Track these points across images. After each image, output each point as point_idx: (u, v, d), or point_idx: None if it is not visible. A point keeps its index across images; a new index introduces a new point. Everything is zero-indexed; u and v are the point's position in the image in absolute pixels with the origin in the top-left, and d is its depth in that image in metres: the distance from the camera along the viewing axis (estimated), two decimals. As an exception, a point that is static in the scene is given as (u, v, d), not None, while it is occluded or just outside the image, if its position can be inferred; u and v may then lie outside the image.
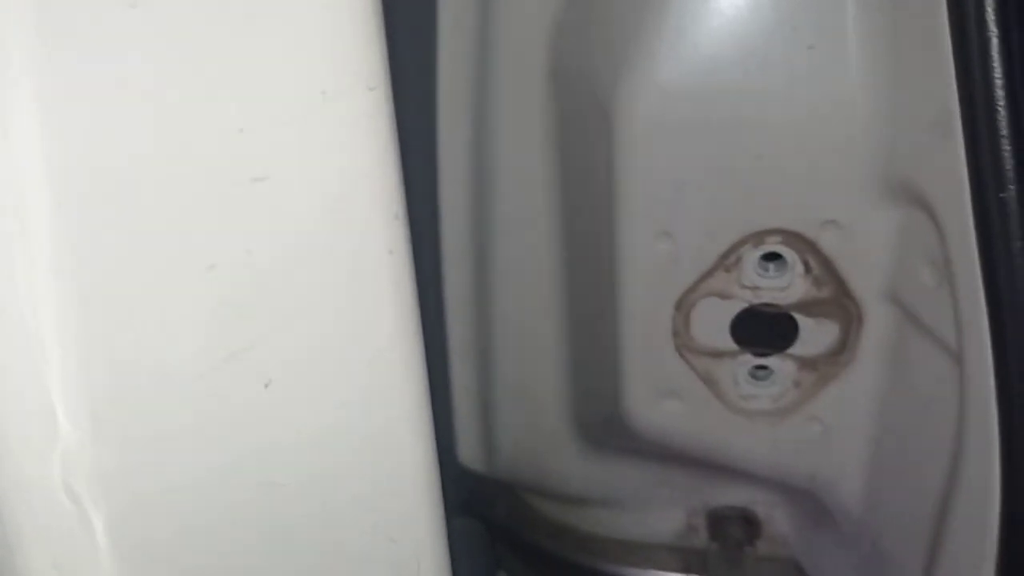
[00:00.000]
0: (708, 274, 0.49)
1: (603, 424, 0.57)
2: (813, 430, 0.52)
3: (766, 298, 0.49)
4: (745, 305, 0.49)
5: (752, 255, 0.48)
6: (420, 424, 0.32)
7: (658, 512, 0.61)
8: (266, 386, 0.29)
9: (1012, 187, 0.37)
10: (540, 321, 0.58)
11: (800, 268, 0.48)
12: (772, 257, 0.49)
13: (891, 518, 0.52)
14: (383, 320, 0.30)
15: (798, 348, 0.50)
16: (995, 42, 0.36)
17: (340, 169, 0.28)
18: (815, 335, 0.49)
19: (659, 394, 0.53)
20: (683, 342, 0.51)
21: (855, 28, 0.43)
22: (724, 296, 0.49)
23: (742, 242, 0.48)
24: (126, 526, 0.29)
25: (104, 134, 0.26)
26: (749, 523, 0.58)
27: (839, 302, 0.49)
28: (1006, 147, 0.37)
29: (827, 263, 0.48)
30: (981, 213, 0.39)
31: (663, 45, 0.46)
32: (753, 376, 0.52)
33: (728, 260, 0.49)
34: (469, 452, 0.63)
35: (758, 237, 0.48)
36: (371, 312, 0.30)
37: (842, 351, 0.50)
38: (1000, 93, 0.36)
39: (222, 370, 0.29)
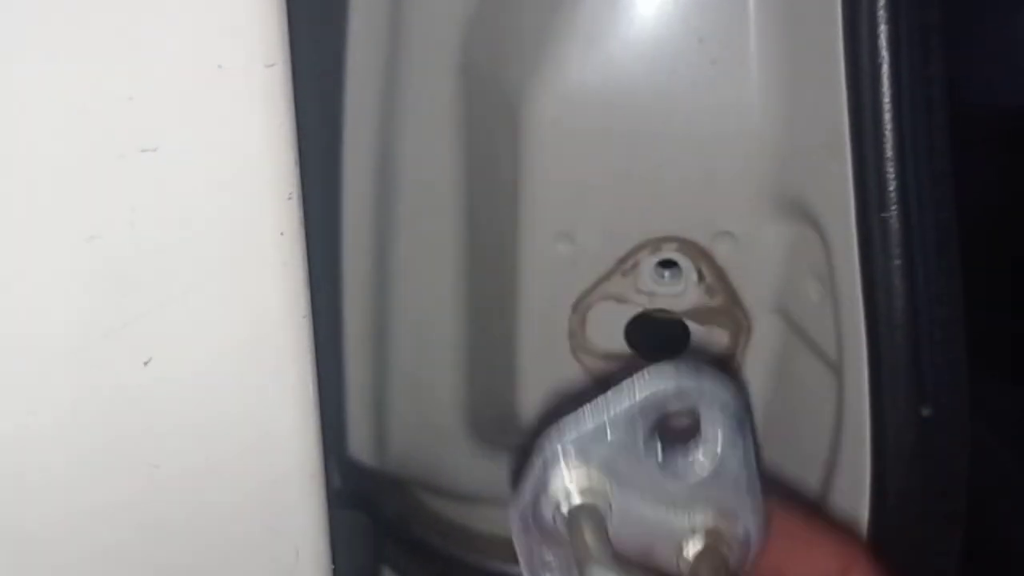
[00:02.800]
0: (605, 277, 0.50)
1: (496, 422, 0.58)
2: (700, 435, 0.53)
3: (661, 304, 0.50)
4: (640, 310, 0.50)
5: (649, 261, 0.49)
6: (304, 411, 0.32)
7: (546, 512, 0.61)
8: (146, 364, 0.28)
9: (894, 208, 0.39)
10: (438, 317, 0.58)
11: (694, 276, 0.49)
12: (668, 264, 0.50)
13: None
14: (271, 303, 0.29)
15: (689, 355, 0.51)
16: (886, 68, 0.38)
17: (233, 145, 0.27)
18: (706, 343, 0.50)
19: (552, 395, 0.53)
20: (578, 344, 0.51)
21: (756, 47, 0.44)
22: (620, 300, 0.50)
23: (640, 248, 0.49)
24: (5, 505, 0.28)
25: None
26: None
27: (730, 311, 0.50)
28: (890, 170, 0.39)
29: (720, 272, 0.49)
30: (864, 232, 0.40)
31: (572, 51, 0.46)
32: (645, 381, 0.52)
33: (626, 265, 0.49)
34: (360, 445, 0.62)
35: (655, 244, 0.49)
36: (258, 294, 0.29)
37: (731, 359, 0.51)
38: (888, 117, 0.38)
39: (100, 345, 0.28)
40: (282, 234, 0.29)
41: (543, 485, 0.33)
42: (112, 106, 0.25)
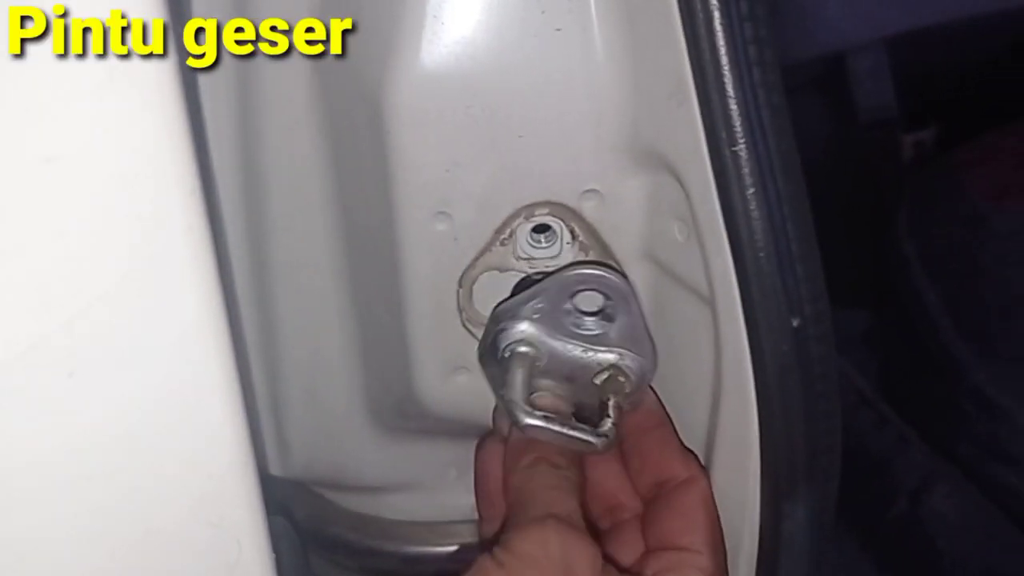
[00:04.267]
0: (486, 249, 0.52)
1: (396, 408, 0.59)
2: (592, 387, 0.56)
3: (540, 267, 0.53)
4: (522, 276, 0.53)
5: (524, 228, 0.52)
6: (232, 401, 0.32)
7: (455, 489, 0.63)
8: (71, 375, 0.28)
9: (742, 141, 0.42)
10: (324, 315, 0.58)
11: (568, 236, 0.52)
12: (542, 229, 0.52)
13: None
14: (187, 298, 0.30)
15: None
16: (716, 15, 0.41)
17: (132, 146, 0.27)
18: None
19: (448, 369, 0.55)
20: (468, 316, 0.53)
21: (596, 11, 0.47)
22: (502, 269, 0.52)
23: (514, 216, 0.51)
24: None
25: None
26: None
27: (604, 265, 0.53)
28: (733, 107, 0.42)
29: (591, 229, 0.52)
30: (717, 168, 0.44)
31: (424, 34, 0.48)
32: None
33: (503, 234, 0.52)
34: (263, 456, 0.62)
35: (528, 210, 0.51)
36: (174, 291, 0.30)
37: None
38: (725, 60, 0.42)
39: (23, 361, 0.28)
40: (189, 229, 0.29)
41: (497, 335, 0.51)
42: (9, 120, 0.25)
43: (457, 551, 0.63)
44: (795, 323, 0.44)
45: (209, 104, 0.53)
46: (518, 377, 0.49)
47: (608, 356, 0.51)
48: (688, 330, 0.51)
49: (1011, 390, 0.99)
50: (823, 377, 0.45)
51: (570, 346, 0.51)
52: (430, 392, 0.56)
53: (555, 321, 0.50)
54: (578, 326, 0.51)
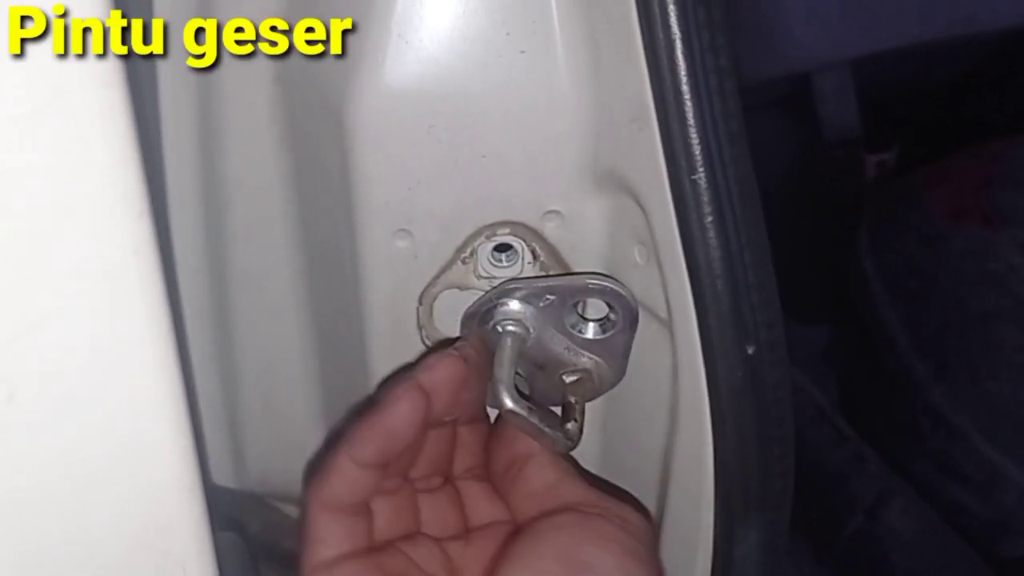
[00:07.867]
0: (446, 268, 0.52)
1: (354, 421, 0.58)
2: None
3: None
4: (482, 294, 0.52)
5: (486, 247, 0.52)
6: (178, 427, 0.32)
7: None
8: (10, 399, 0.28)
9: (701, 170, 0.43)
10: (283, 328, 0.58)
11: (529, 256, 0.52)
12: (504, 248, 0.52)
13: (625, 478, 0.57)
14: (133, 323, 0.29)
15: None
16: (678, 44, 0.41)
17: (79, 167, 0.27)
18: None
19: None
20: (428, 334, 0.53)
21: (561, 35, 0.47)
22: (463, 287, 0.52)
23: (476, 235, 0.51)
24: None
25: None
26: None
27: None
28: (694, 136, 0.43)
29: (552, 250, 0.52)
30: (677, 195, 0.44)
31: (388, 52, 0.48)
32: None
33: (464, 253, 0.51)
34: (217, 468, 0.61)
35: (490, 229, 0.51)
36: (119, 315, 0.29)
37: (571, 330, 0.54)
38: (685, 88, 0.42)
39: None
40: (136, 252, 0.29)
41: (496, 305, 0.51)
42: (-51, 141, 0.25)
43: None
44: (750, 350, 0.44)
45: (170, 115, 0.53)
46: (510, 356, 0.50)
47: (587, 361, 0.52)
48: (647, 352, 0.52)
49: (966, 409, 1.01)
50: (777, 403, 0.46)
51: (558, 340, 0.51)
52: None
53: (556, 315, 0.51)
54: (573, 326, 0.51)
